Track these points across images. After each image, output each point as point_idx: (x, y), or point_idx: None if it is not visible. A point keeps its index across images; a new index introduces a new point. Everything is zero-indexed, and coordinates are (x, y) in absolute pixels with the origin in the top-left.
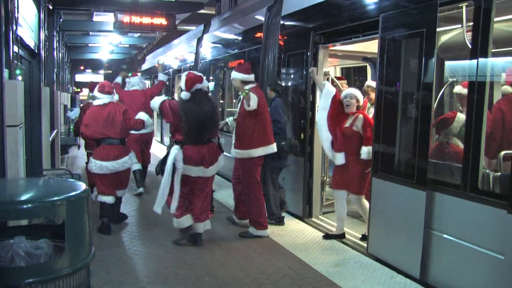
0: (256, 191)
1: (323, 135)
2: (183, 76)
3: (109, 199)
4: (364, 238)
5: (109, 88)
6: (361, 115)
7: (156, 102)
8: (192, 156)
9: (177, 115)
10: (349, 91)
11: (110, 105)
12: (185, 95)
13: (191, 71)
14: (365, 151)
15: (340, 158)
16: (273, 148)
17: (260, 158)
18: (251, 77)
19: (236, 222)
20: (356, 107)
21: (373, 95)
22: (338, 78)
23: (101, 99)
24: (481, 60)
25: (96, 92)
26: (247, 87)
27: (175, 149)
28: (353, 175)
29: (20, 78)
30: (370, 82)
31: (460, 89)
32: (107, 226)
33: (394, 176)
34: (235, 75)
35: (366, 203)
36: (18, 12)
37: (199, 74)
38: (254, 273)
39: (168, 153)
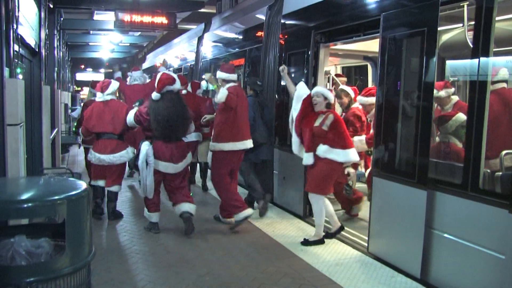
0: (223, 183)
1: (292, 138)
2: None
3: (101, 183)
4: (328, 236)
5: (107, 85)
6: (331, 114)
7: (130, 118)
8: (161, 151)
9: (148, 115)
10: (316, 89)
11: (112, 102)
12: (155, 95)
13: (165, 72)
14: (321, 149)
15: (307, 158)
16: (245, 144)
17: (231, 153)
18: (232, 76)
19: (221, 220)
20: (327, 105)
21: (346, 100)
22: (337, 76)
23: (102, 95)
24: (482, 59)
25: (95, 91)
26: (228, 85)
27: (146, 145)
28: (315, 174)
29: (20, 77)
30: (344, 87)
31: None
32: (100, 206)
33: (395, 176)
34: (218, 74)
35: (324, 207)
36: (18, 10)
37: (172, 75)
38: (255, 272)
39: (139, 150)
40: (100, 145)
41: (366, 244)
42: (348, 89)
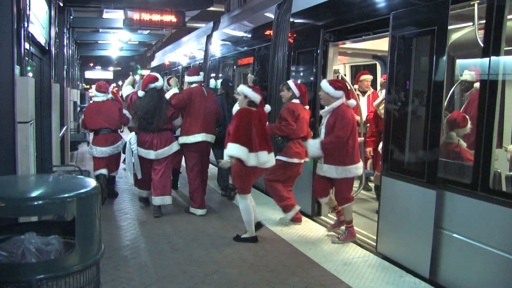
0: (190, 173)
1: None
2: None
3: (104, 171)
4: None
5: (105, 87)
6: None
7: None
8: (143, 140)
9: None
10: (238, 88)
11: (107, 102)
12: (140, 93)
13: (150, 73)
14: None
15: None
16: (196, 137)
17: (190, 145)
18: (194, 78)
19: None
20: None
21: (286, 94)
22: (362, 73)
23: (99, 96)
24: (493, 58)
25: (94, 91)
26: (192, 86)
27: (132, 135)
28: (232, 173)
29: (30, 74)
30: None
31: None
32: (103, 181)
33: (404, 175)
34: (185, 77)
35: (246, 205)
36: (29, 9)
37: (155, 75)
38: (263, 271)
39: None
40: (101, 140)
41: (374, 244)
42: (291, 84)
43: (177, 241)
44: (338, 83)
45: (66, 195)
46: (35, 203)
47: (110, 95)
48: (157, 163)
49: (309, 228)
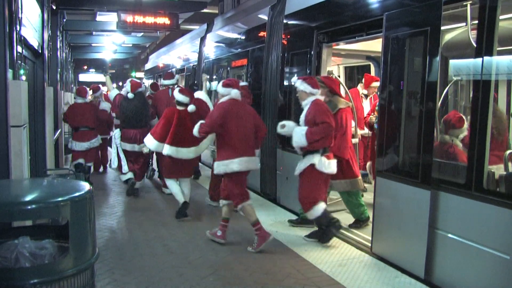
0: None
1: None
2: (128, 82)
3: (81, 161)
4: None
5: (84, 92)
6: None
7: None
8: (127, 136)
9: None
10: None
11: (84, 104)
12: (130, 95)
13: (133, 79)
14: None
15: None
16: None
17: None
18: (167, 81)
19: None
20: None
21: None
22: (372, 79)
23: (79, 99)
24: (486, 58)
25: (74, 94)
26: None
27: (116, 131)
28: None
29: (24, 78)
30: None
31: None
32: (82, 168)
33: (399, 175)
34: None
35: (170, 183)
36: (21, 12)
37: (138, 81)
38: (258, 273)
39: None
40: (80, 136)
41: (369, 245)
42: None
43: (172, 244)
44: (312, 80)
45: (60, 199)
46: (29, 207)
47: (89, 98)
48: (137, 155)
49: (304, 230)
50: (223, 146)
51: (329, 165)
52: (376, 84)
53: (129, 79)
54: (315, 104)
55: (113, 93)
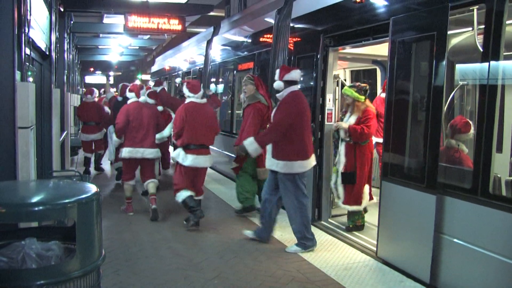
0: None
1: None
2: (120, 86)
3: (90, 155)
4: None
5: (90, 92)
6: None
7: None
8: None
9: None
10: None
11: (92, 103)
12: (120, 98)
13: (125, 83)
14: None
15: None
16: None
17: None
18: (156, 88)
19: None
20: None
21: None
22: None
23: (88, 98)
24: (492, 63)
25: (84, 94)
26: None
27: (111, 127)
28: None
29: (31, 80)
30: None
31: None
32: (88, 169)
33: (404, 180)
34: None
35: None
36: (30, 14)
37: (128, 85)
38: (263, 276)
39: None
40: (87, 129)
41: (374, 249)
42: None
43: (177, 246)
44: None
45: (66, 200)
46: (36, 208)
47: (96, 98)
48: None
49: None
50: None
51: (186, 159)
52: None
53: (121, 83)
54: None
55: (109, 95)
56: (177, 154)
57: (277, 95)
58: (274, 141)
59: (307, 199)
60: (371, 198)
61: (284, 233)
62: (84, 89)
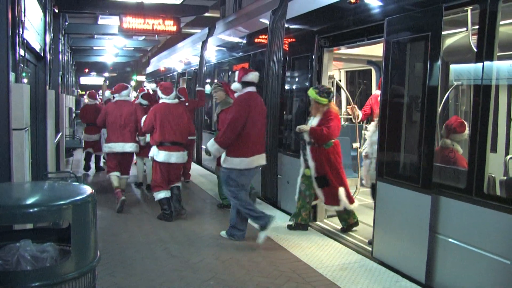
0: None
1: None
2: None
3: (90, 150)
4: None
5: (94, 95)
6: None
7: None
8: None
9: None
10: None
11: (95, 105)
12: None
13: (121, 83)
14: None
15: None
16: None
17: None
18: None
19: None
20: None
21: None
22: None
23: (90, 100)
24: (486, 63)
25: (87, 97)
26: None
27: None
28: None
29: (25, 81)
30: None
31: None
32: (89, 165)
33: (399, 180)
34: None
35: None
36: (24, 15)
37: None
38: (259, 276)
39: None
40: (90, 130)
41: (370, 249)
42: None
43: (173, 247)
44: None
45: (61, 202)
46: (31, 210)
47: (98, 101)
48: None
49: (305, 234)
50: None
51: (159, 155)
52: None
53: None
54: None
55: (105, 97)
56: (152, 151)
57: (235, 95)
58: (232, 139)
59: (246, 195)
60: (351, 201)
61: (279, 233)
62: (79, 91)
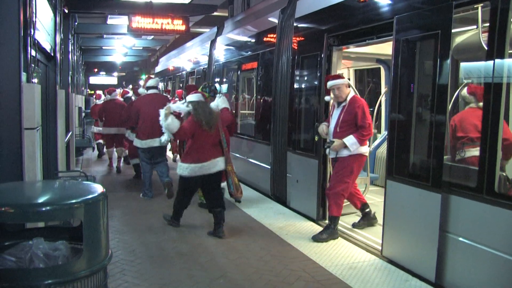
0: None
1: None
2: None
3: (101, 141)
4: None
5: (111, 92)
6: None
7: None
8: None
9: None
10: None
11: (116, 100)
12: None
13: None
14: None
15: None
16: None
17: None
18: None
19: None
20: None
21: None
22: None
23: (109, 98)
24: (497, 61)
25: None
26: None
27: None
28: None
29: (36, 81)
30: None
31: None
32: (102, 154)
33: (409, 179)
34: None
35: None
36: (35, 16)
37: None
38: (269, 275)
39: None
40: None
41: (380, 248)
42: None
43: (182, 246)
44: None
45: (73, 201)
46: (43, 209)
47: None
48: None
49: (314, 232)
50: None
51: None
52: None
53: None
54: None
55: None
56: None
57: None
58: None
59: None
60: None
61: (289, 232)
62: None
